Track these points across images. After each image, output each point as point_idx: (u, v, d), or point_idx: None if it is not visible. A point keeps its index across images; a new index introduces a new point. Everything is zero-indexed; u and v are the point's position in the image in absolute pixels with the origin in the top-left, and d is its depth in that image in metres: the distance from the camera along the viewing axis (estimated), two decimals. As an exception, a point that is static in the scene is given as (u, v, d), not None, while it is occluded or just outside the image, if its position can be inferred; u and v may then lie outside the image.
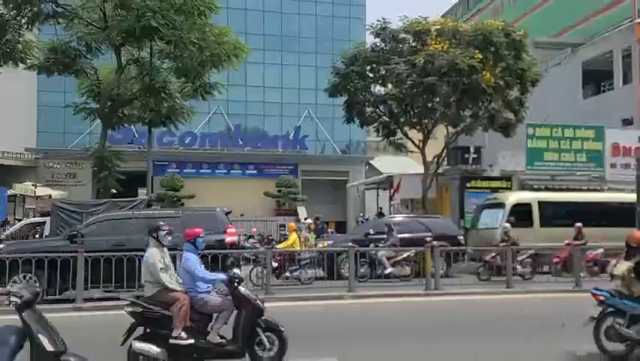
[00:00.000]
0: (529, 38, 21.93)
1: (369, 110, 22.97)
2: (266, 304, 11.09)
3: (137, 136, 31.77)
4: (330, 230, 25.87)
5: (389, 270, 13.99)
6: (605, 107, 27.33)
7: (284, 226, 26.00)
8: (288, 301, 11.59)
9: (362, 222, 25.35)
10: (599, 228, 16.26)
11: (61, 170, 31.12)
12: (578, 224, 15.72)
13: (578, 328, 6.96)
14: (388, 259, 14.17)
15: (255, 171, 34.82)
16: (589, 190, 21.46)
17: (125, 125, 22.84)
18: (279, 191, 31.88)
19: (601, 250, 14.96)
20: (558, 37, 35.95)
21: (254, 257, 14.06)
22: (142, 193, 24.52)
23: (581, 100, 30.76)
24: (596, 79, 31.49)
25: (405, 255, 14.24)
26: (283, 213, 30.39)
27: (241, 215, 26.98)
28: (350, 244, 14.47)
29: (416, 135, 23.28)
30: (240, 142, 35.12)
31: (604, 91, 31.19)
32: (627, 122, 27.11)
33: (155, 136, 28.19)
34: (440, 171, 24.49)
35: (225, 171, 34.56)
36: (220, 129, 35.93)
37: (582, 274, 13.67)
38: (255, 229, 25.02)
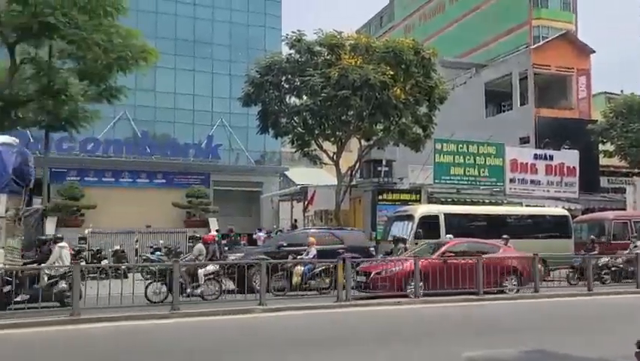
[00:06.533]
0: (437, 57, 22.92)
1: (283, 120, 22.86)
2: (172, 321, 10.71)
3: (32, 140, 29.32)
4: (242, 242, 25.32)
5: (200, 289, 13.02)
6: (505, 126, 29.21)
7: (193, 238, 25.09)
8: (196, 317, 11.07)
9: (270, 233, 25.07)
10: (500, 239, 17.17)
11: (-59, 176, 28.03)
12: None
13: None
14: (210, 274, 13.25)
15: (163, 181, 33.37)
16: (490, 203, 22.73)
17: (19, 128, 20.98)
18: (189, 202, 30.73)
19: None
20: (463, 58, 38.10)
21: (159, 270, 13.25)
22: (37, 202, 22.58)
23: (483, 118, 32.68)
24: (497, 99, 33.69)
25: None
26: (193, 224, 29.32)
27: (147, 226, 25.74)
28: (262, 256, 14.13)
29: (330, 147, 23.48)
30: (148, 150, 33.60)
31: (504, 110, 33.41)
32: (524, 141, 29.19)
33: (53, 141, 26.23)
34: (353, 183, 24.87)
35: (131, 180, 32.81)
36: (126, 136, 34.16)
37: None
38: (162, 241, 23.88)
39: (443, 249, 14.31)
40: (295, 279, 13.73)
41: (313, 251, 14.89)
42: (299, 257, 14.70)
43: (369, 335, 9.29)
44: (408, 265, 13.36)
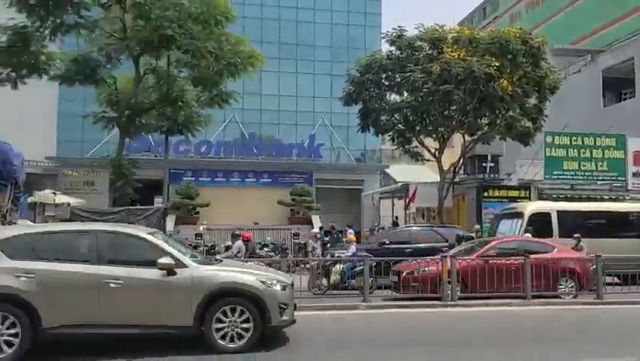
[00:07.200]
0: (547, 46, 21.69)
1: (384, 118, 22.85)
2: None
3: (153, 144, 32.05)
4: (344, 239, 25.68)
5: None
6: (627, 116, 26.87)
7: (297, 234, 25.91)
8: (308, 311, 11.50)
9: (373, 230, 25.13)
10: (621, 239, 15.91)
11: (79, 178, 31.46)
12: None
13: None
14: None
15: (269, 180, 34.82)
16: (610, 200, 21.07)
17: (142, 133, 23.00)
18: (293, 200, 31.78)
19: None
20: (576, 45, 35.59)
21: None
22: (158, 201, 24.61)
23: (601, 108, 30.32)
24: (617, 86, 31.06)
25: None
26: (297, 221, 30.29)
27: (255, 223, 26.99)
28: (365, 253, 14.31)
29: (432, 144, 23.11)
30: (255, 150, 35.22)
31: (625, 99, 30.73)
32: (649, 131, 26.59)
33: (171, 144, 28.37)
34: (457, 179, 24.27)
35: (240, 180, 34.62)
36: (235, 138, 36.09)
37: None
38: (269, 238, 24.94)
39: (485, 248, 13.21)
40: (333, 277, 13.28)
41: (353, 248, 14.44)
42: (337, 254, 14.44)
43: (479, 337, 9.12)
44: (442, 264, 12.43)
